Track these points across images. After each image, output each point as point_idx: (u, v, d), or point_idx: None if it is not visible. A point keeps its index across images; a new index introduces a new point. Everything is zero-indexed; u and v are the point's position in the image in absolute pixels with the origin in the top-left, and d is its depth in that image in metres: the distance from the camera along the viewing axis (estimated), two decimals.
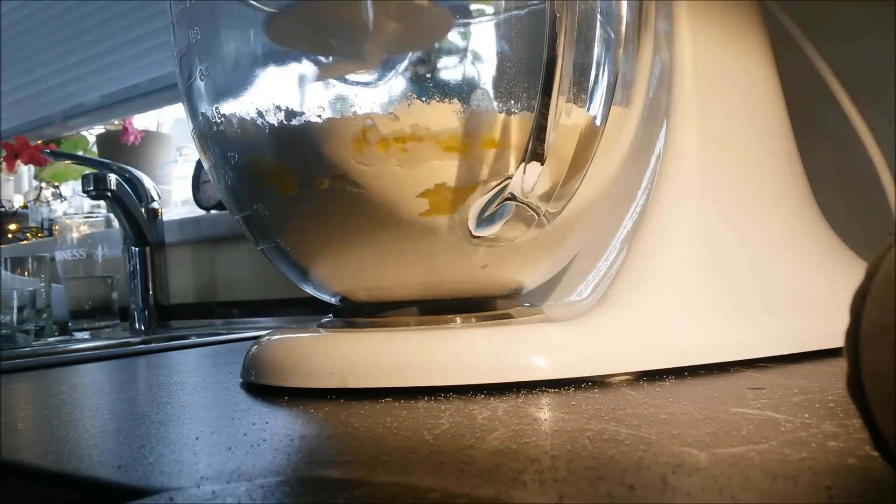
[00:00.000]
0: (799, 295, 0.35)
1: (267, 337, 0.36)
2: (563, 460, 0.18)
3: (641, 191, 0.37)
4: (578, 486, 0.16)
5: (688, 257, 0.35)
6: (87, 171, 0.93)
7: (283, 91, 0.31)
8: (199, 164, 1.05)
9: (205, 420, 0.28)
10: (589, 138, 0.28)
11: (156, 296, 0.97)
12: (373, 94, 0.30)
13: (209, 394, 0.35)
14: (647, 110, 0.37)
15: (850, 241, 0.43)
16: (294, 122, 0.30)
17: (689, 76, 0.37)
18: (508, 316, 0.34)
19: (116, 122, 1.38)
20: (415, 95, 0.29)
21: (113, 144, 1.32)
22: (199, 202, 1.05)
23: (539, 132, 0.27)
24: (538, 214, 0.29)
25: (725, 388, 0.27)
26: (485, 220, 0.30)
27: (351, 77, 0.30)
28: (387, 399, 0.29)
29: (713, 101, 0.38)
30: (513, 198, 0.29)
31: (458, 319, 0.33)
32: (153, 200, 0.97)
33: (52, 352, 0.67)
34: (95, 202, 1.33)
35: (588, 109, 0.27)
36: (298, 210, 0.32)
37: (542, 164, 0.27)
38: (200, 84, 0.34)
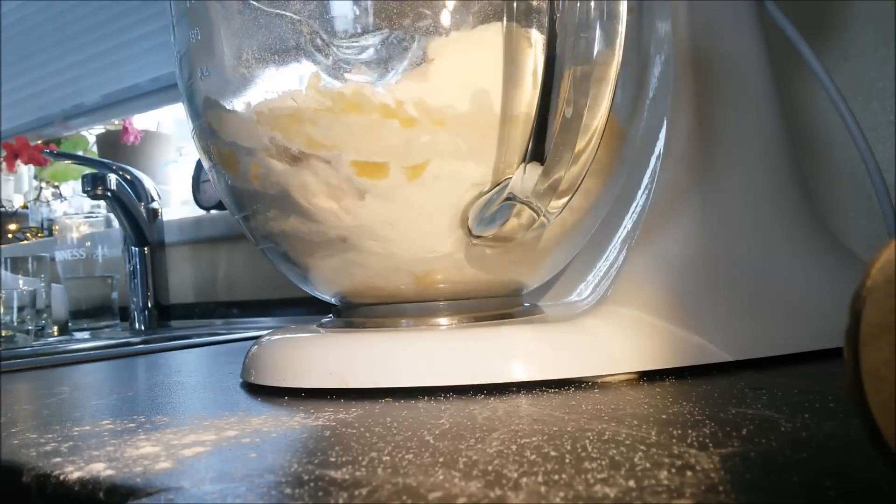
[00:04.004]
0: (799, 295, 0.35)
1: (267, 337, 0.36)
2: (563, 461, 0.18)
3: (641, 191, 0.37)
4: (579, 486, 0.16)
5: (688, 257, 0.35)
6: (87, 171, 0.93)
7: (283, 91, 0.31)
8: (199, 164, 1.05)
9: (205, 420, 0.28)
10: (590, 138, 0.28)
11: (156, 296, 0.97)
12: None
13: (209, 394, 0.35)
14: (647, 110, 0.37)
15: (850, 241, 0.43)
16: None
17: (689, 76, 0.37)
18: (509, 316, 0.34)
19: (116, 122, 1.38)
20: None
21: (113, 144, 1.32)
22: (199, 202, 1.05)
23: (539, 132, 0.27)
24: (538, 214, 0.29)
25: (725, 388, 0.27)
26: (485, 219, 0.30)
27: (350, 77, 0.30)
28: (387, 399, 0.29)
29: (713, 101, 0.38)
30: (513, 198, 0.29)
31: (458, 319, 0.33)
32: (153, 200, 0.97)
33: (52, 352, 0.67)
34: (95, 202, 1.33)
35: (588, 109, 0.27)
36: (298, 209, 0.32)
37: (543, 164, 0.27)
38: (200, 84, 0.34)
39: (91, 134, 1.49)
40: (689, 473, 0.17)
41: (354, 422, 0.25)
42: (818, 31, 0.57)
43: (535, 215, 0.29)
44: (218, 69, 0.33)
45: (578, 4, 0.25)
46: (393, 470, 0.18)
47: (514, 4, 0.29)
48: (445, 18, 0.29)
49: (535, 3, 0.29)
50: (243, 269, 1.05)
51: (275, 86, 0.31)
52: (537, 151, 0.27)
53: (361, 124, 0.30)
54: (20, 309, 0.85)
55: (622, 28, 0.27)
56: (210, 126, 0.34)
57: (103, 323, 0.98)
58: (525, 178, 0.28)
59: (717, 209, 0.36)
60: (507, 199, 0.29)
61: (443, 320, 0.33)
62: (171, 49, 0.36)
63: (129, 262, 0.97)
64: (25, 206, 1.61)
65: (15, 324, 0.84)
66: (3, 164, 1.52)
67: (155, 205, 0.97)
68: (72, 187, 1.55)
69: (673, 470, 0.17)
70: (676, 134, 0.37)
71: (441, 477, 0.18)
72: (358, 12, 0.30)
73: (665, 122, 0.37)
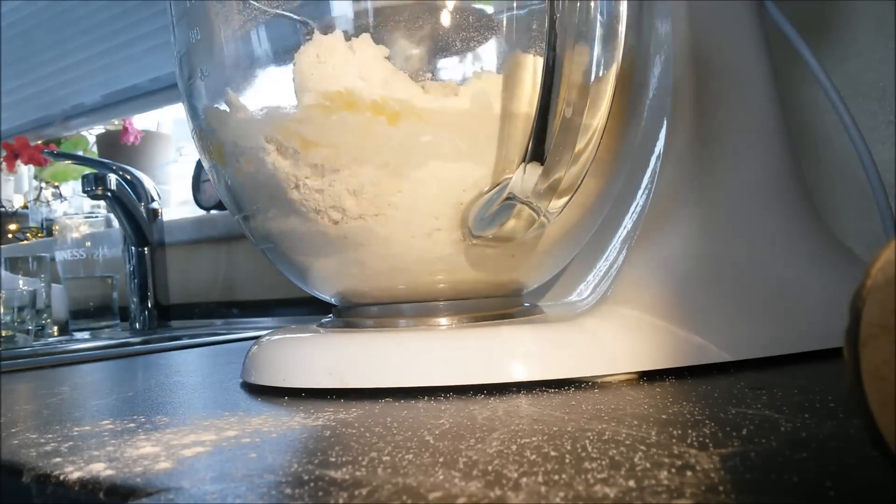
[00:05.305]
0: (799, 295, 0.35)
1: (267, 337, 0.36)
2: (563, 461, 0.18)
3: (641, 191, 0.37)
4: (579, 486, 0.16)
5: (687, 257, 0.35)
6: (87, 171, 0.93)
7: (283, 90, 0.31)
8: (199, 164, 1.05)
9: (205, 420, 0.28)
10: (590, 138, 0.28)
11: (156, 296, 0.97)
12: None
13: (209, 394, 0.35)
14: (647, 110, 0.37)
15: (850, 241, 0.43)
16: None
17: (689, 76, 0.37)
18: (509, 316, 0.34)
19: (116, 122, 1.38)
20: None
21: (113, 144, 1.32)
22: (199, 202, 1.05)
23: (539, 132, 0.27)
24: (538, 214, 0.29)
25: (725, 388, 0.27)
26: (485, 220, 0.30)
27: None
28: (387, 399, 0.29)
29: (713, 101, 0.38)
30: (513, 198, 0.29)
31: (458, 319, 0.33)
32: (153, 200, 0.97)
33: (52, 352, 0.67)
34: (95, 202, 1.33)
35: (588, 110, 0.27)
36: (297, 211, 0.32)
37: (543, 164, 0.27)
38: (200, 84, 0.34)
39: (91, 134, 1.49)
40: (689, 473, 0.17)
41: (354, 422, 0.25)
42: (818, 31, 0.57)
43: (535, 215, 0.29)
44: (218, 69, 0.33)
45: (578, 4, 0.25)
46: (393, 470, 0.18)
47: (514, 5, 0.29)
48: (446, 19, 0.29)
49: (534, 3, 0.29)
50: (243, 269, 1.05)
51: (274, 85, 0.31)
52: (537, 151, 0.27)
53: (360, 124, 0.30)
54: (20, 309, 0.85)
55: (622, 28, 0.27)
56: (210, 126, 0.34)
57: (103, 323, 0.98)
58: (525, 178, 0.28)
59: (717, 209, 0.36)
60: (507, 199, 0.29)
61: (442, 320, 0.33)
62: (171, 49, 0.36)
63: (129, 262, 0.97)
64: (25, 206, 1.61)
65: (15, 324, 0.84)
66: (3, 164, 1.52)
67: (155, 205, 0.97)
68: (72, 187, 1.55)
69: (673, 470, 0.17)
70: (676, 134, 0.37)
71: (441, 477, 0.18)
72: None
73: (665, 122, 0.37)
